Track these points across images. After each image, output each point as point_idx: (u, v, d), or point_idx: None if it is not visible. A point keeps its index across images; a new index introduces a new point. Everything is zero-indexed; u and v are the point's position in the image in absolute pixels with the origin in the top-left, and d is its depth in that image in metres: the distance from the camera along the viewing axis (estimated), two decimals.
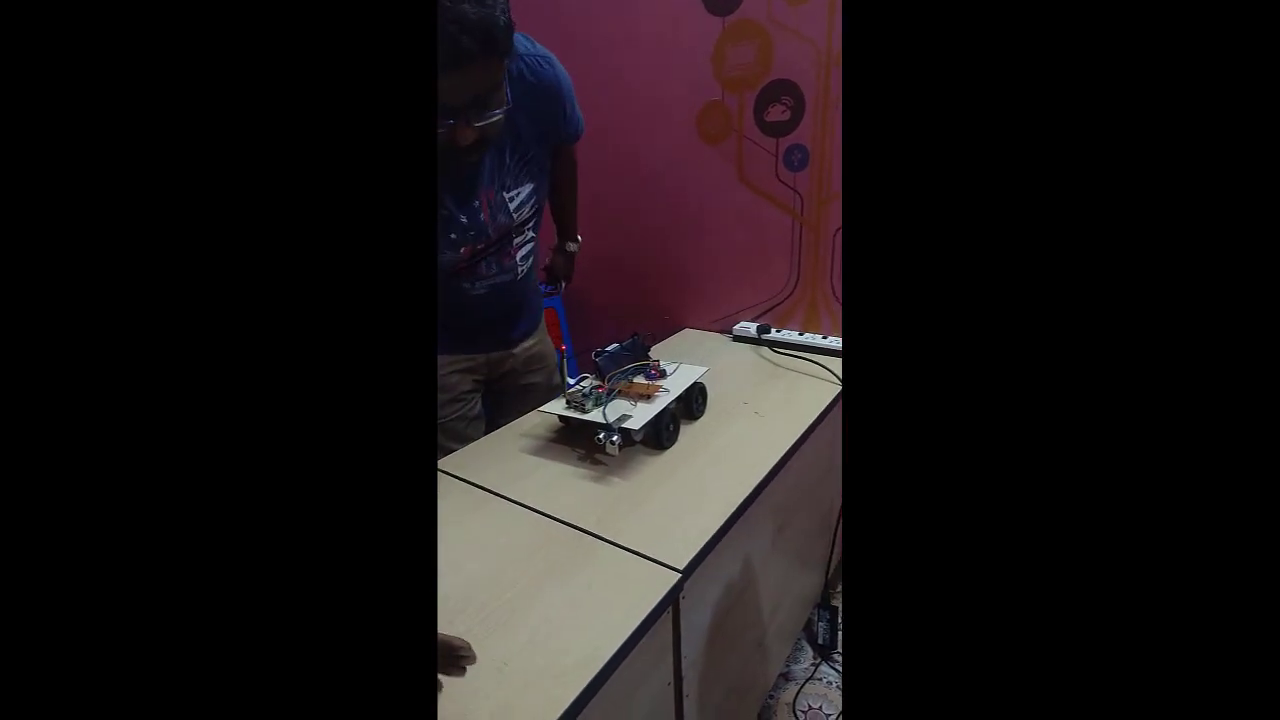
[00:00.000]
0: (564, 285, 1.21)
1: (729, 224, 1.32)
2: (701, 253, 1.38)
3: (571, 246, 1.16)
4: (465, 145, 0.72)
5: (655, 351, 1.28)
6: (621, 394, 0.91)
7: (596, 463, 0.86)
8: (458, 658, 0.51)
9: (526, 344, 1.10)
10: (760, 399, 1.04)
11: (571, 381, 0.93)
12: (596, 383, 0.92)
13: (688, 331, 1.43)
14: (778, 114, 1.19)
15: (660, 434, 0.88)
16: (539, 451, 0.90)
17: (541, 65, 0.87)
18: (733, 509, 0.75)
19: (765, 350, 1.26)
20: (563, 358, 1.18)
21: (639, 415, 0.85)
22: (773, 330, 1.30)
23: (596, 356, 0.93)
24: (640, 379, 0.95)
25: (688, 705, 0.75)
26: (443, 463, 0.89)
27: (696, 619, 0.74)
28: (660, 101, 1.31)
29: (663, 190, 1.38)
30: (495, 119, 0.72)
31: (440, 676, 0.51)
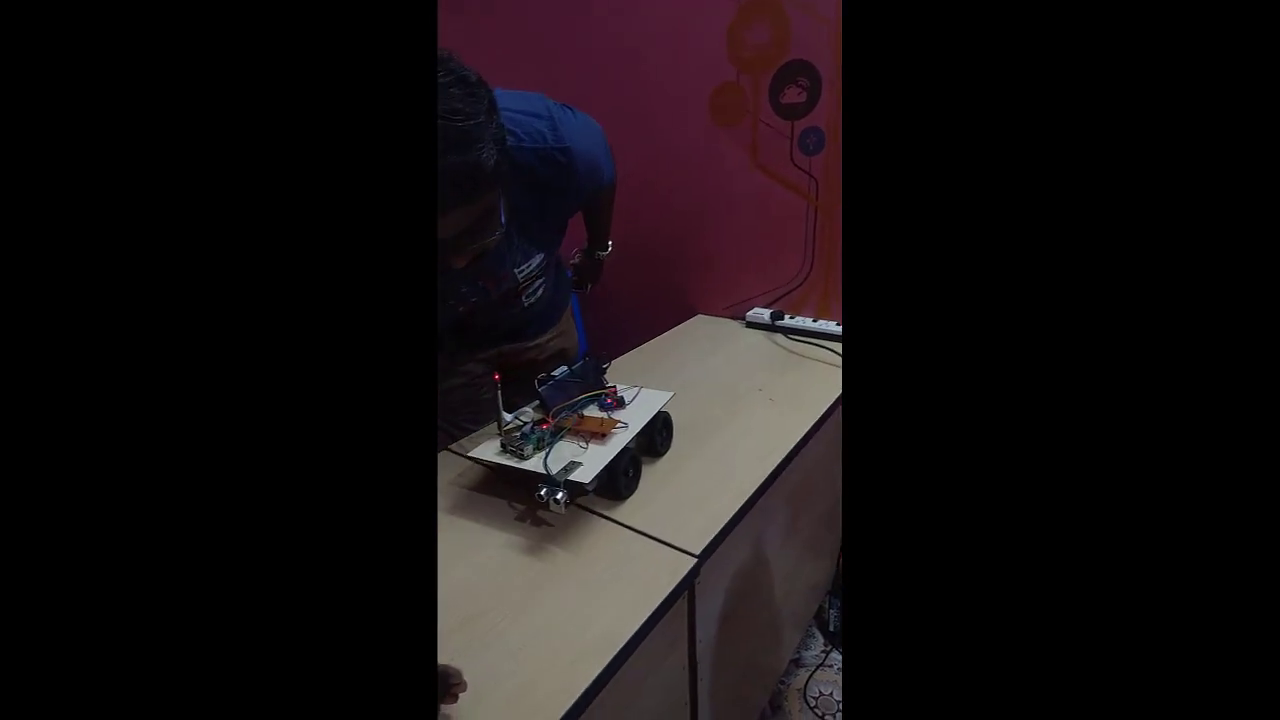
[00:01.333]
0: (590, 287, 1.17)
1: (742, 209, 1.30)
2: (714, 238, 1.37)
3: (601, 254, 1.12)
4: (460, 267, 0.68)
5: (666, 341, 1.28)
6: (571, 431, 0.75)
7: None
8: (449, 685, 0.50)
9: (544, 339, 1.08)
10: (773, 385, 1.03)
11: (509, 416, 0.75)
12: (539, 417, 0.77)
13: (700, 318, 1.42)
14: (794, 96, 1.17)
15: (617, 482, 0.72)
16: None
17: (555, 158, 0.79)
18: (748, 495, 0.74)
19: (779, 337, 1.25)
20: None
21: (590, 461, 0.70)
22: (786, 317, 1.29)
23: (540, 385, 0.78)
24: (594, 410, 0.80)
25: (701, 688, 0.75)
26: (456, 445, 0.89)
27: (711, 603, 0.74)
28: (673, 84, 1.29)
29: (675, 175, 1.36)
30: (490, 240, 0.67)
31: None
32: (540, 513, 0.72)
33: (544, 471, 0.68)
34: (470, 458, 0.76)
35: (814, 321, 1.27)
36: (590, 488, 0.70)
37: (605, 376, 0.86)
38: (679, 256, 1.43)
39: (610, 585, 0.62)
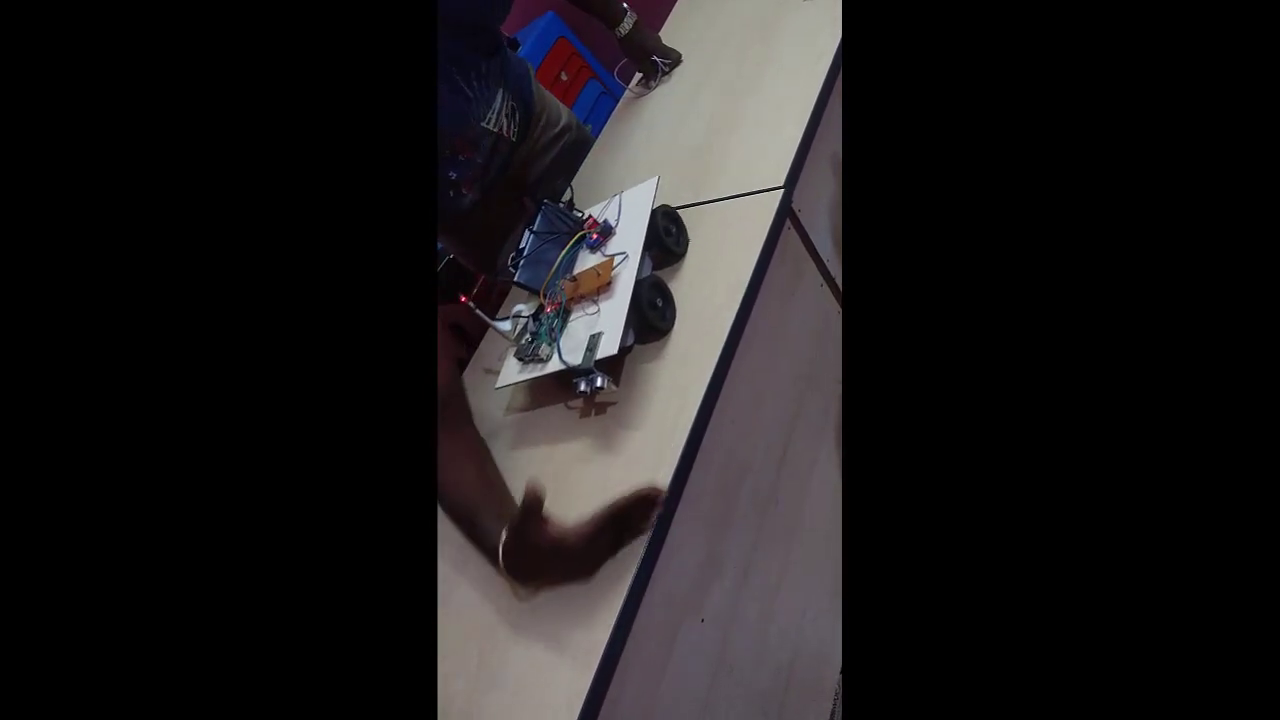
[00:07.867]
0: (660, 64, 0.90)
1: None
2: None
3: (626, 25, 0.87)
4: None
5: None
6: (575, 300, 0.62)
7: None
8: (647, 505, 0.47)
9: (536, 135, 0.92)
10: None
11: (503, 325, 0.63)
12: (533, 306, 0.65)
13: None
14: None
15: (648, 321, 0.59)
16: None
17: None
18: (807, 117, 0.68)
19: None
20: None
21: (609, 321, 0.57)
22: None
23: (513, 265, 0.66)
24: (585, 258, 0.65)
25: None
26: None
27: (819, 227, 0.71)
28: None
29: None
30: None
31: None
32: (599, 400, 0.62)
33: (567, 365, 0.57)
34: (498, 389, 0.67)
35: None
36: (627, 348, 0.59)
37: (575, 208, 0.70)
38: None
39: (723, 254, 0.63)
